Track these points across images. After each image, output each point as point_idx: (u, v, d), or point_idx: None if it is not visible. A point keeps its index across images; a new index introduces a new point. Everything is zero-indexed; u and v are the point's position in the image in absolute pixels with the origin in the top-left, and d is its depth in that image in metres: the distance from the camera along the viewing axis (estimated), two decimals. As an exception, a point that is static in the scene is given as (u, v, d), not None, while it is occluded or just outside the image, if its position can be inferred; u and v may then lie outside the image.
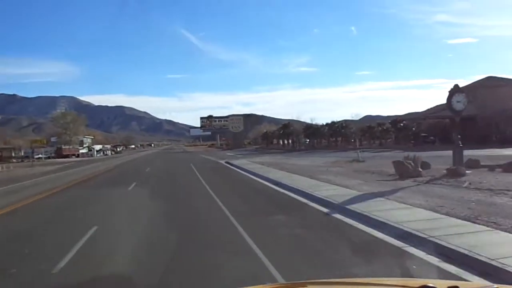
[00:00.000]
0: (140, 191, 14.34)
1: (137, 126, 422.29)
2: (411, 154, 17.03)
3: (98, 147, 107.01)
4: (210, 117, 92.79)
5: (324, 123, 52.22)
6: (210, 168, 25.74)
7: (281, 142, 71.20)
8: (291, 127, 57.06)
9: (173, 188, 15.81)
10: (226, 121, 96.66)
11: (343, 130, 49.50)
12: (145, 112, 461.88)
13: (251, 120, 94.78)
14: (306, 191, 11.28)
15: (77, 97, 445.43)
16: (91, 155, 76.35)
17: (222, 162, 31.87)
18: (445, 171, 14.32)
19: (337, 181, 13.64)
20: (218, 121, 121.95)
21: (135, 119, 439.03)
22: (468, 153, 17.55)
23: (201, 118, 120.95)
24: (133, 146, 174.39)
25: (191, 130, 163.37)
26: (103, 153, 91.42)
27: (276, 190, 13.00)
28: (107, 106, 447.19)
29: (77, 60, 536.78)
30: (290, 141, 59.43)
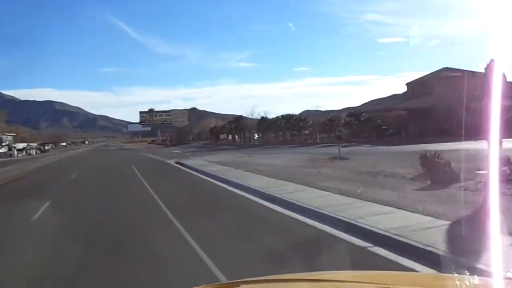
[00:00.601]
0: (49, 227, 8.14)
1: (69, 123, 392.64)
2: (429, 149, 13.12)
3: (21, 145, 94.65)
4: (151, 111, 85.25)
5: (279, 116, 48.37)
6: (159, 172, 20.13)
7: (229, 138, 66.38)
8: (243, 120, 52.31)
9: (110, 215, 9.40)
10: (169, 115, 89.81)
11: (301, 124, 45.83)
12: (77, 108, 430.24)
13: (195, 114, 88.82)
14: (350, 221, 6.58)
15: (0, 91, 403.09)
16: (11, 155, 65.60)
17: (171, 162, 26.36)
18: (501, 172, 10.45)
19: (364, 194, 9.12)
20: (160, 115, 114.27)
21: (67, 115, 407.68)
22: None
23: (141, 112, 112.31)
24: (64, 144, 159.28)
25: (129, 125, 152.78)
26: (27, 152, 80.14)
27: (285, 215, 8.01)
28: (34, 101, 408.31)
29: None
30: (242, 136, 54.71)
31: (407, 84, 48.40)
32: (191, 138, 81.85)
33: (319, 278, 1.76)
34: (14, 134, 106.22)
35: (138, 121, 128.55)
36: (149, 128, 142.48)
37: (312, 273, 1.98)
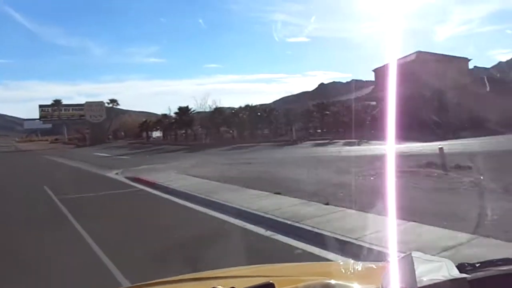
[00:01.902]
0: None
1: None
2: None
3: None
4: (57, 103, 68.49)
5: (241, 106, 38.34)
6: (119, 214, 9.11)
7: (160, 135, 54.37)
8: (188, 113, 40.70)
9: None
10: (81, 109, 73.77)
11: (267, 116, 36.49)
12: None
13: (113, 110, 73.89)
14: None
15: None
16: None
17: (120, 178, 15.15)
18: None
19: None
20: (66, 109, 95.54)
21: None
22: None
23: (42, 106, 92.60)
24: None
25: (26, 122, 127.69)
26: None
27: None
28: None
29: None
30: (185, 133, 43.00)
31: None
32: (109, 137, 67.10)
33: (207, 276, 1.75)
34: None
35: (37, 116, 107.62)
36: (50, 125, 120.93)
37: (200, 273, 1.94)
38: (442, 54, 36.69)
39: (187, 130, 41.35)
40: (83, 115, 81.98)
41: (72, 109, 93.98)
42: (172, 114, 48.23)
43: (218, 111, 39.23)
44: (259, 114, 36.84)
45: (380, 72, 38.12)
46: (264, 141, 33.00)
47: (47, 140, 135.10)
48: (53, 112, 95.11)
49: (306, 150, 24.65)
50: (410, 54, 35.01)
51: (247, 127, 38.14)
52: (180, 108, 41.47)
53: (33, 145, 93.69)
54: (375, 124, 26.98)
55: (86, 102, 65.75)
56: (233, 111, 38.50)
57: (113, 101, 64.58)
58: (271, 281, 1.07)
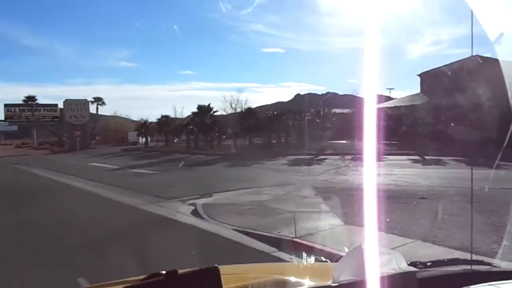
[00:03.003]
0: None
1: None
2: None
3: None
4: (30, 100, 57.57)
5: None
6: None
7: (153, 141, 45.17)
8: (210, 113, 31.40)
9: None
10: (54, 109, 63.12)
11: (288, 121, 28.07)
12: None
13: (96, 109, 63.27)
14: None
15: None
16: None
17: (214, 227, 6.63)
18: None
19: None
20: (38, 110, 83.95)
21: None
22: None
23: (7, 105, 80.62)
24: None
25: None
26: None
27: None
28: None
29: None
30: (211, 137, 33.33)
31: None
32: (92, 141, 56.57)
33: None
34: None
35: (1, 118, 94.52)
36: (15, 127, 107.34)
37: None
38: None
39: (211, 134, 31.93)
40: (56, 116, 70.90)
41: (44, 110, 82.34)
42: (178, 116, 39.36)
43: (251, 112, 30.26)
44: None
45: (427, 77, 31.72)
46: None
47: (11, 144, 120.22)
48: (21, 112, 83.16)
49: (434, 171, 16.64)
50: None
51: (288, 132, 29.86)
52: (200, 108, 32.12)
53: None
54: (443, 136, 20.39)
55: (66, 100, 55.06)
56: (274, 113, 29.52)
57: (98, 99, 54.41)
58: (216, 265, 1.02)
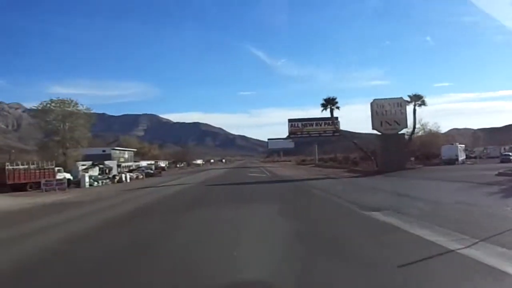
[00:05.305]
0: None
1: (212, 142, 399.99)
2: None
3: (144, 163, 72.01)
4: (329, 103, 48.03)
5: None
6: None
7: None
8: None
9: None
10: (334, 122, 53.99)
11: None
12: (219, 128, 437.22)
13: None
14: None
15: (158, 115, 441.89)
16: (91, 184, 37.92)
17: None
18: None
19: None
20: (316, 124, 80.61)
21: (210, 135, 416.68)
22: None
23: (291, 120, 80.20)
24: (199, 162, 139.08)
25: (270, 142, 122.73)
26: (135, 174, 53.95)
27: None
28: (184, 123, 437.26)
29: (157, 81, 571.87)
30: None
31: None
32: (411, 159, 42.11)
33: None
34: (134, 150, 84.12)
35: (279, 136, 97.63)
36: (292, 145, 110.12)
37: None
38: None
39: None
40: (336, 131, 62.85)
41: (324, 123, 77.39)
42: None
43: None
44: None
45: None
46: None
47: (290, 161, 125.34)
48: (303, 127, 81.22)
49: None
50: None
51: None
52: None
53: (281, 166, 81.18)
54: None
55: (375, 100, 40.69)
56: None
57: (417, 97, 40.09)
58: None
